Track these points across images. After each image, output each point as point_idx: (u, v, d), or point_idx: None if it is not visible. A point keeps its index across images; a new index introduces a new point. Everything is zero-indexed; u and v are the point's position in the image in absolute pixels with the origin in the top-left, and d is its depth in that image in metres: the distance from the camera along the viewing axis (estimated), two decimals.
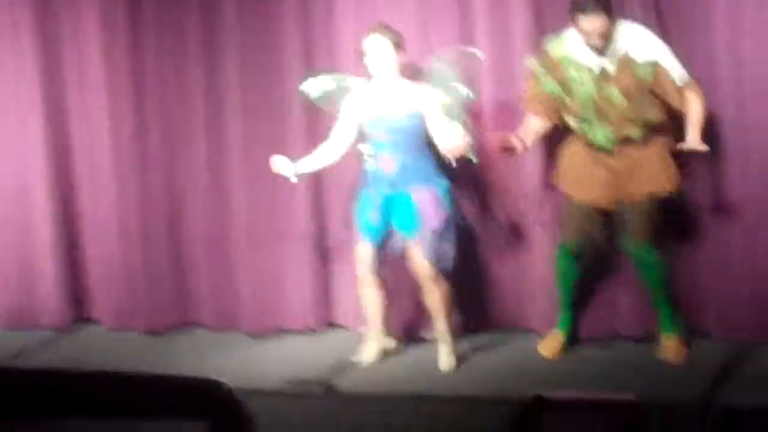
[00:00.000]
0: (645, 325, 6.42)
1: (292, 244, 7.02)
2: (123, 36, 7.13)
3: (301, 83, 6.49)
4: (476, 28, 6.58)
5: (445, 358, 6.32)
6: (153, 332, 7.22)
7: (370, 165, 6.21)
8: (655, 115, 6.01)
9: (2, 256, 7.50)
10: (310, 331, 7.03)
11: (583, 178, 6.16)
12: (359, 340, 6.57)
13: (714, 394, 5.70)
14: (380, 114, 6.17)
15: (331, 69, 6.60)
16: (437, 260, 6.20)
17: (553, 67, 6.08)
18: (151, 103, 7.18)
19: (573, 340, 6.46)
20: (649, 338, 6.36)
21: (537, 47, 6.29)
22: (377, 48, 6.11)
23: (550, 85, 6.09)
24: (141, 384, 2.74)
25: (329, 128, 6.39)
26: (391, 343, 6.53)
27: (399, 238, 6.24)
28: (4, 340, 7.26)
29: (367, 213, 6.25)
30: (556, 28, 6.18)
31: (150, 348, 7.00)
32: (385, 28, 6.15)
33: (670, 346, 6.23)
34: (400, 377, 6.26)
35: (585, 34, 5.92)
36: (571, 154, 6.21)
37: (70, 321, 7.45)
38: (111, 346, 7.08)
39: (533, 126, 6.19)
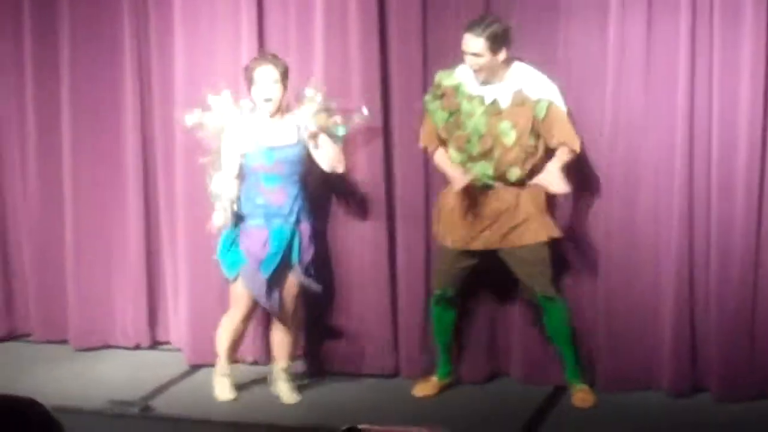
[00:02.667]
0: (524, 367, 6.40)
1: (123, 259, 7.04)
2: None
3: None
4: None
5: (287, 394, 6.22)
6: None
7: (251, 199, 6.07)
8: (538, 155, 5.95)
9: None
10: (136, 348, 7.03)
11: (455, 223, 6.05)
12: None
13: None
14: (269, 144, 6.06)
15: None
16: (305, 293, 6.21)
17: (443, 97, 6.04)
18: None
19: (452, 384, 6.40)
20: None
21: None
22: (267, 78, 6.02)
23: (440, 114, 6.02)
24: None
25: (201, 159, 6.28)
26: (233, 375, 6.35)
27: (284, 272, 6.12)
28: None
29: (256, 248, 6.05)
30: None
31: None
32: (276, 59, 6.08)
33: (578, 396, 6.12)
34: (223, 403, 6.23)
35: (465, 56, 5.89)
36: (446, 200, 6.11)
37: None
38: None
39: (447, 157, 6.08)
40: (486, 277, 6.25)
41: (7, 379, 6.44)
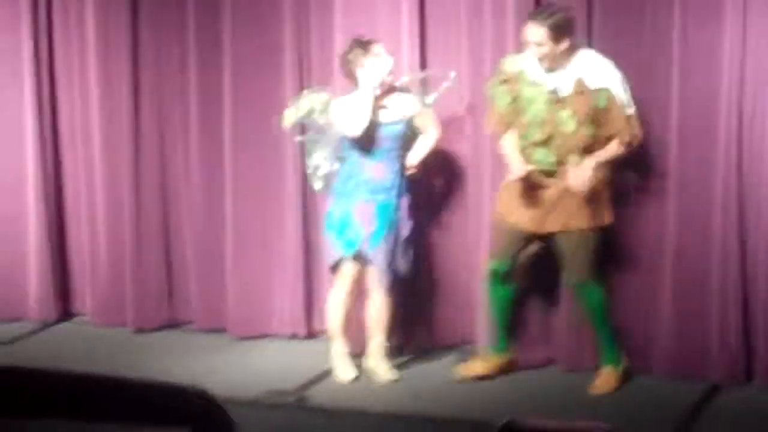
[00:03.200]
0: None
1: (281, 251, 7.13)
2: (118, 33, 7.21)
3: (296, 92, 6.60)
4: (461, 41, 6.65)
5: (384, 370, 6.38)
6: (140, 330, 7.33)
7: (354, 176, 6.30)
8: (598, 143, 5.99)
9: None
10: (294, 338, 7.11)
11: (515, 202, 6.11)
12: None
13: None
14: (378, 120, 6.25)
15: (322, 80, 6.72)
16: (395, 271, 6.34)
17: (507, 83, 6.10)
18: (145, 103, 7.25)
19: (511, 364, 6.45)
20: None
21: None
22: (381, 57, 6.20)
23: (502, 99, 6.11)
24: (124, 388, 2.70)
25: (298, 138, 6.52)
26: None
27: (367, 247, 6.29)
28: None
29: (354, 227, 6.29)
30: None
31: (136, 346, 7.10)
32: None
33: (601, 378, 6.19)
34: (379, 394, 6.28)
35: (526, 45, 5.96)
36: (508, 185, 6.16)
37: (57, 315, 7.55)
38: (96, 342, 7.17)
39: (513, 144, 6.17)
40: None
41: (167, 366, 6.63)
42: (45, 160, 7.47)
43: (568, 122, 5.97)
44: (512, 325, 6.44)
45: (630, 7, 6.20)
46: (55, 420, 2.65)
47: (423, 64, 6.64)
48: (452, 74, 6.40)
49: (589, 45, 6.18)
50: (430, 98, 6.41)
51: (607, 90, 5.93)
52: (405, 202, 6.34)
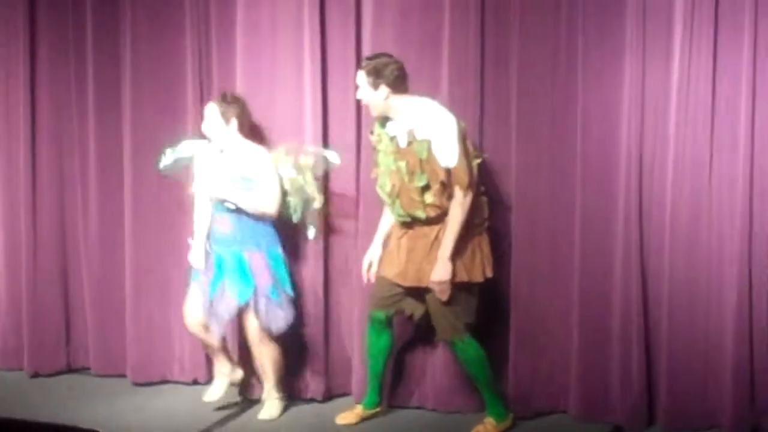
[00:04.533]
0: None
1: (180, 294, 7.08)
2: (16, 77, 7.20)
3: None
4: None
5: (267, 408, 6.50)
6: (37, 374, 7.22)
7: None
8: (435, 197, 5.92)
9: None
10: (195, 383, 7.07)
11: (388, 254, 6.18)
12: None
13: None
14: (216, 175, 6.35)
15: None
16: (267, 323, 6.37)
17: (375, 136, 6.16)
18: (43, 141, 7.23)
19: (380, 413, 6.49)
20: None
21: None
22: (211, 114, 6.35)
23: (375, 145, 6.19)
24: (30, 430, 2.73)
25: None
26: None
27: (229, 299, 6.34)
28: None
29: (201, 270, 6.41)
30: None
31: (33, 390, 6.99)
32: (223, 97, 6.39)
33: (485, 427, 6.18)
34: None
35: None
36: (392, 231, 6.23)
37: None
38: None
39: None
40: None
41: (70, 408, 6.55)
42: None
43: (404, 174, 5.97)
44: (384, 374, 6.44)
45: (542, 70, 6.22)
46: None
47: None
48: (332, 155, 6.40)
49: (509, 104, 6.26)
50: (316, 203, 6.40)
51: (427, 141, 5.88)
52: (258, 256, 6.35)
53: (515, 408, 6.33)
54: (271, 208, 6.30)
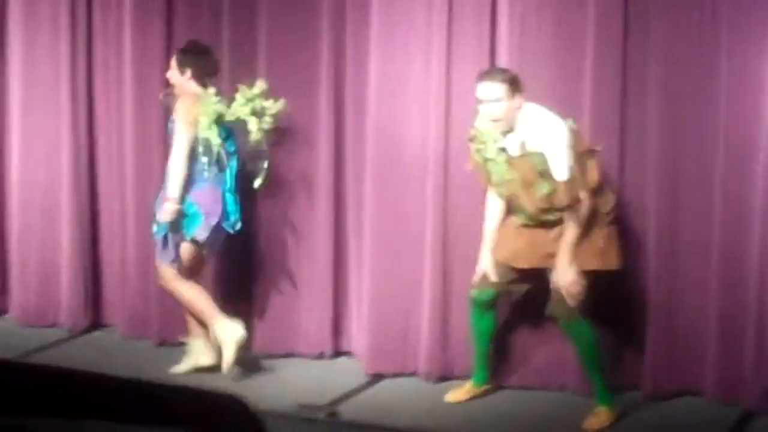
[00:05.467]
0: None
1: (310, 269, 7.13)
2: (155, 40, 7.28)
3: None
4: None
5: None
6: (164, 343, 7.33)
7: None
8: (560, 200, 5.85)
9: (25, 255, 7.68)
10: (319, 357, 7.11)
11: (501, 238, 6.13)
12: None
13: None
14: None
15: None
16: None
17: (479, 141, 6.00)
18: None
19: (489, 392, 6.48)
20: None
21: None
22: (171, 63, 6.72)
23: (477, 156, 6.04)
24: (159, 391, 2.69)
25: None
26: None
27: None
28: (19, 337, 7.41)
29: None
30: None
31: (162, 359, 7.09)
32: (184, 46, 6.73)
33: (596, 416, 6.09)
34: (407, 409, 6.33)
35: (480, 105, 5.93)
36: (505, 219, 6.19)
37: (87, 324, 7.60)
38: (123, 353, 7.20)
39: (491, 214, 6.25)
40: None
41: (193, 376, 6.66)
42: (79, 175, 7.52)
43: (519, 186, 5.90)
44: (489, 353, 6.42)
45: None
46: (92, 421, 2.63)
47: None
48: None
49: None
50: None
51: (541, 154, 5.82)
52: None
53: (648, 388, 6.34)
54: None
